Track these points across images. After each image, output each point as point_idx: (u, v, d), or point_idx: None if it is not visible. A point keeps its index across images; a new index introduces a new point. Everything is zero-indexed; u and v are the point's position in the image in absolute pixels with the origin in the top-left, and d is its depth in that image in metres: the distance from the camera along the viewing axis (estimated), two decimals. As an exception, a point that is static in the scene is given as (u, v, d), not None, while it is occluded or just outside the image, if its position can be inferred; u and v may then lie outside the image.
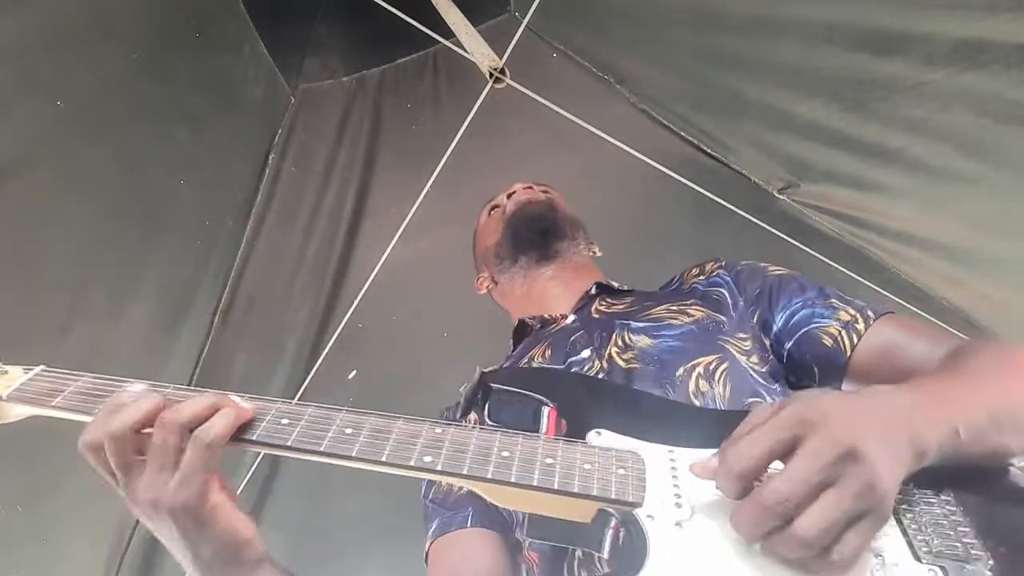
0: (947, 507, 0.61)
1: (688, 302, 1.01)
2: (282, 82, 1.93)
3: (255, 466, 1.89)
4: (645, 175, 1.73)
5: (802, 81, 1.48)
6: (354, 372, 1.99)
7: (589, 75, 1.90)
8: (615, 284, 1.15)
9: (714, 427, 0.71)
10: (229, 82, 1.77)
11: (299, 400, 1.75)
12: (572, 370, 0.95)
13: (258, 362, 1.93)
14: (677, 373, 0.87)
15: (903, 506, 0.61)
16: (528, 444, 0.64)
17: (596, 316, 1.05)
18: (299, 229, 1.99)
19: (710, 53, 1.60)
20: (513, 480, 0.60)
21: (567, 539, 0.66)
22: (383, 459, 0.62)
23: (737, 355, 0.90)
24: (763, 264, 1.06)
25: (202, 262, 1.80)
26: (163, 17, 1.53)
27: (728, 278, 1.05)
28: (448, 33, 1.71)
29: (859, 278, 1.69)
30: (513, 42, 1.57)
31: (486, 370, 0.83)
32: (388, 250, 1.77)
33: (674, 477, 0.64)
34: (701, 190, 1.71)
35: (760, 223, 1.69)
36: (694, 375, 0.87)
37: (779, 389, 0.91)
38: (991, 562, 0.56)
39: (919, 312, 1.69)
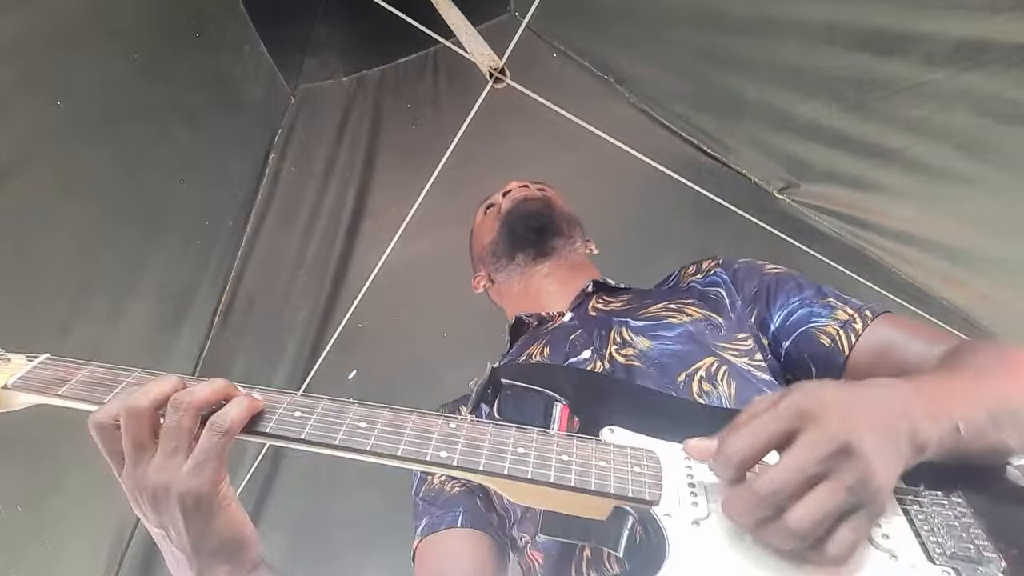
0: (958, 508, 0.61)
1: (686, 301, 1.01)
2: (282, 82, 1.93)
3: (255, 466, 1.89)
4: (645, 175, 1.73)
5: (802, 81, 1.48)
6: (354, 372, 1.99)
7: (589, 75, 1.89)
8: (612, 282, 1.14)
9: (724, 424, 0.72)
10: (229, 82, 1.77)
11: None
12: None
13: (258, 362, 1.93)
14: (679, 378, 0.87)
15: (915, 507, 0.61)
16: (543, 440, 0.64)
17: (593, 314, 1.05)
18: (299, 229, 1.99)
19: (710, 53, 1.60)
20: (530, 477, 0.60)
21: (582, 536, 0.66)
22: (398, 454, 0.61)
23: (733, 359, 0.90)
24: (760, 262, 1.06)
25: (202, 262, 1.80)
26: (163, 17, 1.53)
27: (726, 276, 1.05)
28: (448, 33, 1.71)
29: (859, 278, 1.69)
30: (513, 42, 1.57)
31: (496, 365, 0.82)
32: (388, 250, 1.77)
33: (689, 475, 0.64)
34: (701, 190, 1.71)
35: (760, 223, 1.69)
36: (696, 378, 0.87)
37: (779, 388, 0.91)
38: (1003, 564, 0.55)
39: (919, 312, 1.69)
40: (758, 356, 0.92)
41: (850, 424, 0.52)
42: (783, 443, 0.53)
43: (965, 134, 1.35)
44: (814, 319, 0.92)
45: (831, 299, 0.94)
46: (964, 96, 1.28)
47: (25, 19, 1.19)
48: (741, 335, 0.95)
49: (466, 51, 1.69)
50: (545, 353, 1.01)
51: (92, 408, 0.65)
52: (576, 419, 0.73)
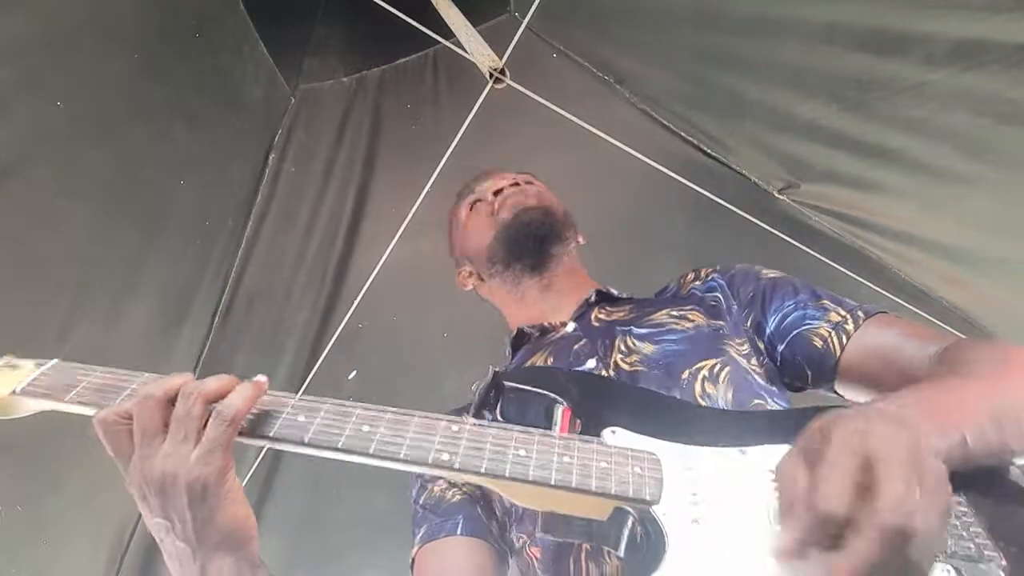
0: (958, 508, 0.61)
1: (688, 308, 1.01)
2: (282, 82, 1.93)
3: (255, 465, 1.89)
4: (645, 175, 1.73)
5: (802, 81, 1.48)
6: (354, 372, 1.99)
7: (589, 75, 1.89)
8: (615, 292, 1.14)
9: (725, 426, 0.72)
10: (229, 82, 1.77)
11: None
12: None
13: (258, 362, 1.93)
14: (683, 376, 0.87)
15: None
16: (544, 442, 0.64)
17: (596, 324, 1.04)
18: (299, 229, 1.99)
19: (710, 53, 1.60)
20: (531, 478, 0.61)
21: (583, 536, 0.66)
22: (401, 456, 0.62)
23: (738, 358, 0.91)
24: (757, 267, 1.06)
25: (202, 262, 1.80)
26: (163, 17, 1.53)
27: (722, 282, 1.05)
28: (448, 33, 1.71)
29: (859, 278, 1.69)
30: (513, 42, 1.56)
31: (498, 369, 0.83)
32: (388, 250, 1.76)
33: (690, 476, 0.64)
34: (701, 190, 1.71)
35: (760, 223, 1.69)
36: (699, 377, 0.87)
37: (777, 391, 0.92)
38: (1004, 562, 0.56)
39: (919, 312, 1.69)
40: (754, 360, 0.93)
41: (904, 437, 0.52)
42: (865, 477, 0.51)
43: (965, 134, 1.35)
44: (807, 321, 0.92)
45: (825, 301, 0.94)
46: (964, 96, 1.28)
47: (25, 19, 1.19)
48: (739, 339, 0.95)
49: (466, 51, 1.69)
50: (548, 362, 1.01)
51: None
52: (578, 421, 0.73)
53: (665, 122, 1.87)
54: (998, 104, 1.25)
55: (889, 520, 0.49)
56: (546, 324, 1.11)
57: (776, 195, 1.80)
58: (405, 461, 0.62)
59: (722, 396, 0.85)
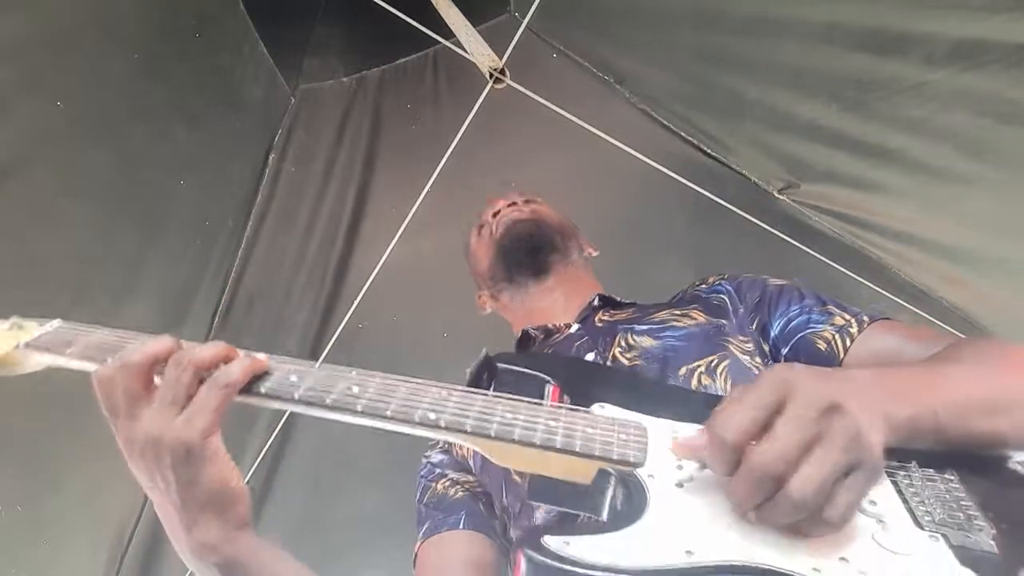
0: (950, 484, 0.61)
1: (691, 307, 1.02)
2: (282, 82, 1.93)
3: (255, 465, 1.89)
4: (645, 175, 1.73)
5: (802, 81, 1.48)
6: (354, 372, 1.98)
7: (589, 75, 1.89)
8: (618, 297, 1.15)
9: (714, 407, 0.73)
10: (229, 82, 1.77)
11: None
12: None
13: (258, 362, 1.93)
14: (680, 371, 0.88)
15: (906, 481, 0.62)
16: (532, 408, 0.65)
17: (599, 324, 1.06)
18: (299, 229, 1.99)
19: (710, 53, 1.60)
20: (516, 438, 0.61)
21: (567, 502, 0.66)
22: (387, 414, 0.62)
23: (739, 354, 0.91)
24: (764, 276, 1.08)
25: (202, 262, 1.80)
26: (163, 17, 1.53)
27: (730, 287, 1.07)
28: (448, 33, 1.71)
29: (859, 278, 1.68)
30: (513, 42, 1.56)
31: (491, 354, 0.84)
32: (388, 250, 1.76)
33: None
34: (701, 190, 1.71)
35: (760, 223, 1.69)
36: (696, 373, 0.88)
37: None
38: (993, 531, 0.56)
39: (919, 312, 1.69)
40: (758, 359, 0.93)
41: (830, 387, 0.53)
42: (770, 416, 0.53)
43: (965, 134, 1.35)
44: (812, 325, 0.94)
45: (831, 307, 0.96)
46: (964, 96, 1.28)
47: (25, 19, 1.19)
48: (743, 337, 0.96)
49: (466, 51, 1.69)
50: None
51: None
52: (567, 397, 0.75)
53: (665, 122, 1.87)
54: (998, 104, 1.25)
55: (755, 462, 0.51)
56: (550, 326, 1.12)
57: (776, 195, 1.80)
58: (391, 419, 0.62)
59: (720, 387, 0.86)
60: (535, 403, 0.66)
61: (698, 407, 0.72)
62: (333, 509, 1.99)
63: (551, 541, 0.56)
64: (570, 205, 1.37)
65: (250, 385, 0.65)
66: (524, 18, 1.49)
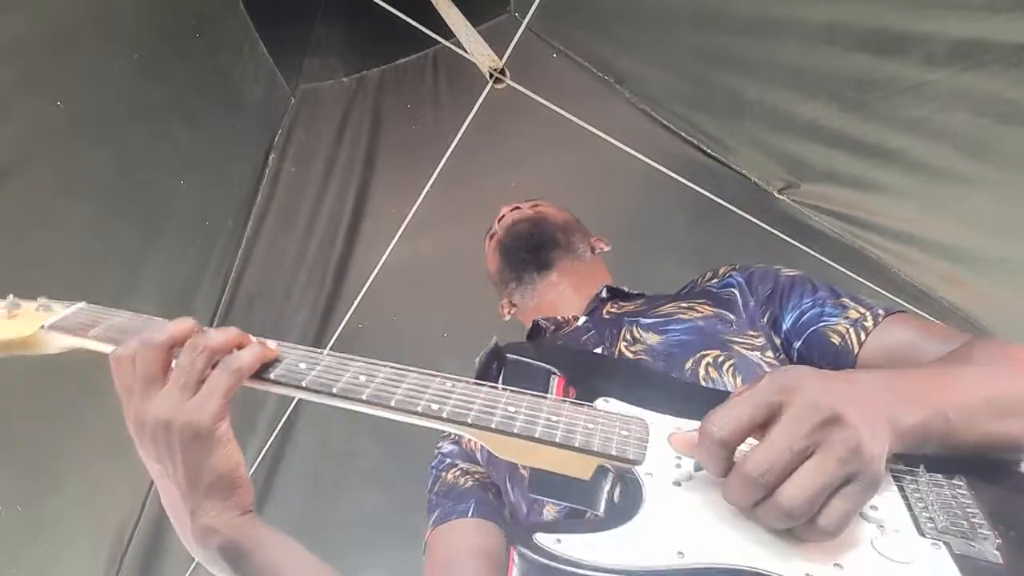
0: (957, 490, 0.60)
1: (698, 300, 1.02)
2: (282, 82, 1.93)
3: (256, 465, 1.89)
4: (645, 175, 1.73)
5: (802, 81, 1.48)
6: (354, 372, 1.98)
7: (589, 75, 1.89)
8: (626, 288, 1.15)
9: (718, 403, 0.73)
10: (229, 82, 1.77)
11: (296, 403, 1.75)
12: None
13: (258, 362, 1.93)
14: (686, 366, 0.88)
15: (912, 486, 0.61)
16: (535, 402, 0.66)
17: (607, 317, 1.06)
18: (299, 229, 1.99)
19: (710, 53, 1.60)
20: (516, 431, 0.62)
21: (566, 497, 0.67)
22: (392, 404, 0.63)
23: (746, 352, 0.91)
24: (777, 267, 1.06)
25: (202, 262, 1.80)
26: (163, 17, 1.53)
27: (741, 279, 1.05)
28: (448, 33, 1.71)
29: (859, 278, 1.68)
30: (513, 42, 1.57)
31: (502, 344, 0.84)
32: (388, 250, 1.76)
33: None
34: (701, 190, 1.71)
35: (760, 223, 1.69)
36: (703, 364, 0.87)
37: None
38: (998, 541, 0.55)
39: (919, 312, 1.69)
40: (769, 353, 0.92)
41: (833, 395, 0.52)
42: (767, 419, 0.52)
43: (965, 134, 1.35)
44: (825, 318, 0.92)
45: (845, 299, 0.94)
46: (964, 96, 1.28)
47: (25, 19, 1.19)
48: (752, 332, 0.95)
49: (466, 51, 1.69)
50: None
51: None
52: (572, 389, 0.75)
53: (665, 122, 1.87)
54: (998, 104, 1.25)
55: (745, 467, 0.51)
56: (560, 318, 1.12)
57: (776, 195, 1.80)
58: (395, 409, 0.63)
59: (728, 382, 0.85)
60: (539, 397, 0.67)
61: (704, 403, 0.72)
62: (333, 509, 1.99)
63: (542, 539, 0.56)
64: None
65: (260, 371, 0.66)
66: (524, 18, 1.49)
